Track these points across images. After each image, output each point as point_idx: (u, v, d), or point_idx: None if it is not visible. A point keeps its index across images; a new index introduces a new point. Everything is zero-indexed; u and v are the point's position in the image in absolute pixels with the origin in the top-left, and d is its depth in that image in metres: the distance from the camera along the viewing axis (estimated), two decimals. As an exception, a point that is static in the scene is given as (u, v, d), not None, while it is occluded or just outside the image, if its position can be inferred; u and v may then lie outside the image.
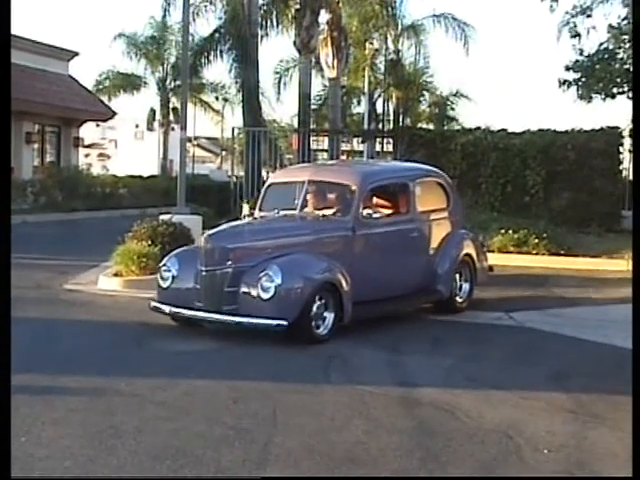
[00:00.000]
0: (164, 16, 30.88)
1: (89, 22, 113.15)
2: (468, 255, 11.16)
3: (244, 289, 8.72)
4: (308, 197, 10.03)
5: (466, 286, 11.06)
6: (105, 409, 6.27)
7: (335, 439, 5.75)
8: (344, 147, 32.09)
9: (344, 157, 31.83)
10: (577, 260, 15.55)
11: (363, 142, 38.53)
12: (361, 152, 40.48)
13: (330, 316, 8.88)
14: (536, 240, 15.99)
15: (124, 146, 61.61)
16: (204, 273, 8.87)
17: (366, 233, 9.82)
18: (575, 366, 8.23)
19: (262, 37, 27.53)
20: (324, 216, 9.91)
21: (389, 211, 10.67)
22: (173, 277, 9.22)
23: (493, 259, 15.50)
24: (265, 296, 8.55)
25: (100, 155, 59.76)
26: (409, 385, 7.28)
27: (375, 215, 9.99)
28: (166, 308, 9.16)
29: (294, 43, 26.22)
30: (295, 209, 10.01)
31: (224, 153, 61.38)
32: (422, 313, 10.71)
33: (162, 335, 9.04)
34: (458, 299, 10.91)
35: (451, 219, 11.28)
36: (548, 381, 7.55)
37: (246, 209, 9.80)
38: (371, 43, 39.91)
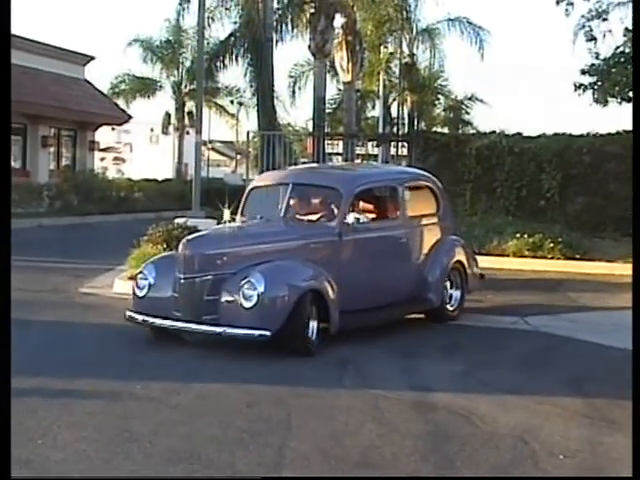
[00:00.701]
0: (179, 20, 31.05)
1: (105, 26, 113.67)
2: (459, 262, 10.77)
3: (225, 298, 8.32)
4: (292, 201, 9.57)
5: (457, 294, 10.65)
6: (120, 413, 6.30)
7: (349, 443, 5.76)
8: (359, 151, 32.02)
9: (358, 161, 31.82)
10: (592, 265, 15.50)
11: (378, 146, 38.48)
12: (376, 156, 40.46)
13: (316, 326, 8.47)
14: (551, 244, 15.96)
15: (139, 150, 61.78)
16: (182, 281, 8.43)
17: (353, 239, 9.37)
18: (591, 371, 8.21)
19: (277, 41, 27.57)
20: (309, 221, 9.51)
21: (377, 216, 10.28)
22: (150, 285, 8.76)
23: (508, 263, 15.55)
24: (247, 305, 8.12)
25: (115, 159, 59.95)
26: (423, 389, 7.27)
27: (363, 220, 9.54)
28: (143, 318, 8.71)
29: (309, 47, 26.25)
30: (278, 214, 9.52)
31: (239, 157, 61.45)
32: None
33: (177, 339, 9.06)
34: (449, 307, 10.54)
35: (441, 225, 10.86)
36: (564, 386, 7.53)
37: (227, 214, 9.51)
38: (386, 47, 39.89)
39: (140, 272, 9.00)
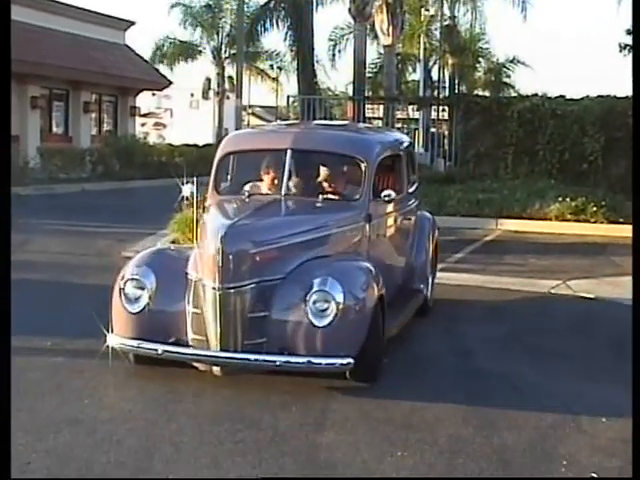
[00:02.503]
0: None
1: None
2: (437, 244, 9.30)
3: (279, 314, 5.97)
4: (293, 174, 7.29)
5: (431, 281, 8.98)
6: (165, 375, 6.38)
7: (391, 406, 5.80)
8: (399, 115, 31.89)
9: (399, 125, 31.69)
10: (636, 228, 15.32)
11: (418, 110, 38.23)
12: (416, 120, 40.24)
13: None
14: (594, 208, 15.80)
15: (180, 115, 61.95)
16: (219, 293, 5.81)
17: (378, 222, 7.42)
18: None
19: (317, 4, 27.50)
20: (326, 200, 7.20)
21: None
22: (149, 296, 6.16)
23: (550, 227, 15.46)
24: (320, 322, 5.88)
25: (156, 124, 60.20)
26: (464, 354, 7.28)
27: (389, 197, 7.35)
28: (138, 344, 6.15)
29: (349, 10, 26.06)
30: (277, 190, 7.17)
31: (279, 121, 61.50)
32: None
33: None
34: (429, 296, 8.84)
35: (418, 199, 9.11)
36: (606, 349, 7.50)
37: (187, 190, 7.71)
38: (426, 9, 39.61)
39: (131, 278, 6.26)
